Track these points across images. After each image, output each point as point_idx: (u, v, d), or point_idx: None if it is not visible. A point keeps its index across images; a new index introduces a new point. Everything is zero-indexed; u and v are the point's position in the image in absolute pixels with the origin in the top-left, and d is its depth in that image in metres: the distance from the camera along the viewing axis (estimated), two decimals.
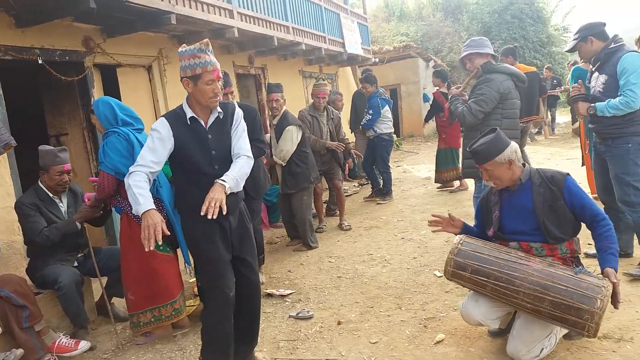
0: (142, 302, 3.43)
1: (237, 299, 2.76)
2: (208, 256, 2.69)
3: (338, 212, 6.40)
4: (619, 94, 3.58)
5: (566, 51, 4.28)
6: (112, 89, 5.69)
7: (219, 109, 2.70)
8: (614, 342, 2.82)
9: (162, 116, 2.70)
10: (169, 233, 2.42)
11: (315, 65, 11.13)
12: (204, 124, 2.68)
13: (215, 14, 5.99)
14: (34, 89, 5.66)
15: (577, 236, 2.84)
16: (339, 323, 3.51)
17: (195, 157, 2.64)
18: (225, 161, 2.68)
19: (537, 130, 12.78)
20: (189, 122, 2.65)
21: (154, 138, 2.59)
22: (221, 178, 2.53)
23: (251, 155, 2.76)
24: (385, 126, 7.34)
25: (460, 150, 6.95)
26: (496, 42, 17.00)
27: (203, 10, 5.77)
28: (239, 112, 2.81)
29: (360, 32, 12.01)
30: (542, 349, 2.65)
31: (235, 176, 2.59)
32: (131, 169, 2.57)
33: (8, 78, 4.49)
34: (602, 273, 2.57)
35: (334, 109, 6.24)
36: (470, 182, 6.74)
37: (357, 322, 3.50)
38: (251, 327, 2.95)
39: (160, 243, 2.38)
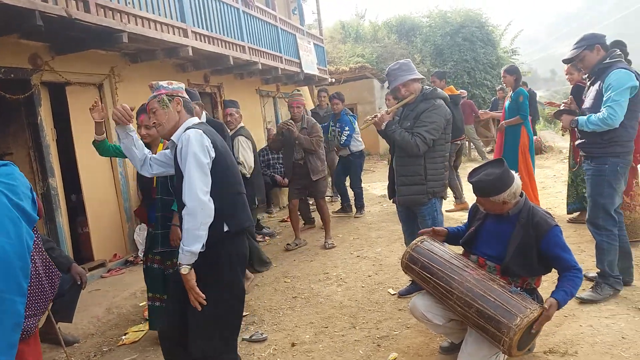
0: None
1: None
2: None
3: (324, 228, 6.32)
4: (600, 110, 3.46)
5: (564, 60, 3.91)
6: (60, 107, 5.53)
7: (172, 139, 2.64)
8: (559, 357, 2.91)
9: None
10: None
11: (273, 85, 11.17)
12: None
13: (168, 33, 5.93)
14: None
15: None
16: (292, 345, 3.48)
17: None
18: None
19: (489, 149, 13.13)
20: None
21: None
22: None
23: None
24: (358, 143, 7.42)
25: None
26: (449, 63, 17.51)
27: (156, 29, 5.70)
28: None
29: (316, 52, 12.16)
30: None
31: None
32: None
33: None
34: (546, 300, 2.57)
35: (309, 119, 6.08)
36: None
37: (311, 343, 3.48)
38: None
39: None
